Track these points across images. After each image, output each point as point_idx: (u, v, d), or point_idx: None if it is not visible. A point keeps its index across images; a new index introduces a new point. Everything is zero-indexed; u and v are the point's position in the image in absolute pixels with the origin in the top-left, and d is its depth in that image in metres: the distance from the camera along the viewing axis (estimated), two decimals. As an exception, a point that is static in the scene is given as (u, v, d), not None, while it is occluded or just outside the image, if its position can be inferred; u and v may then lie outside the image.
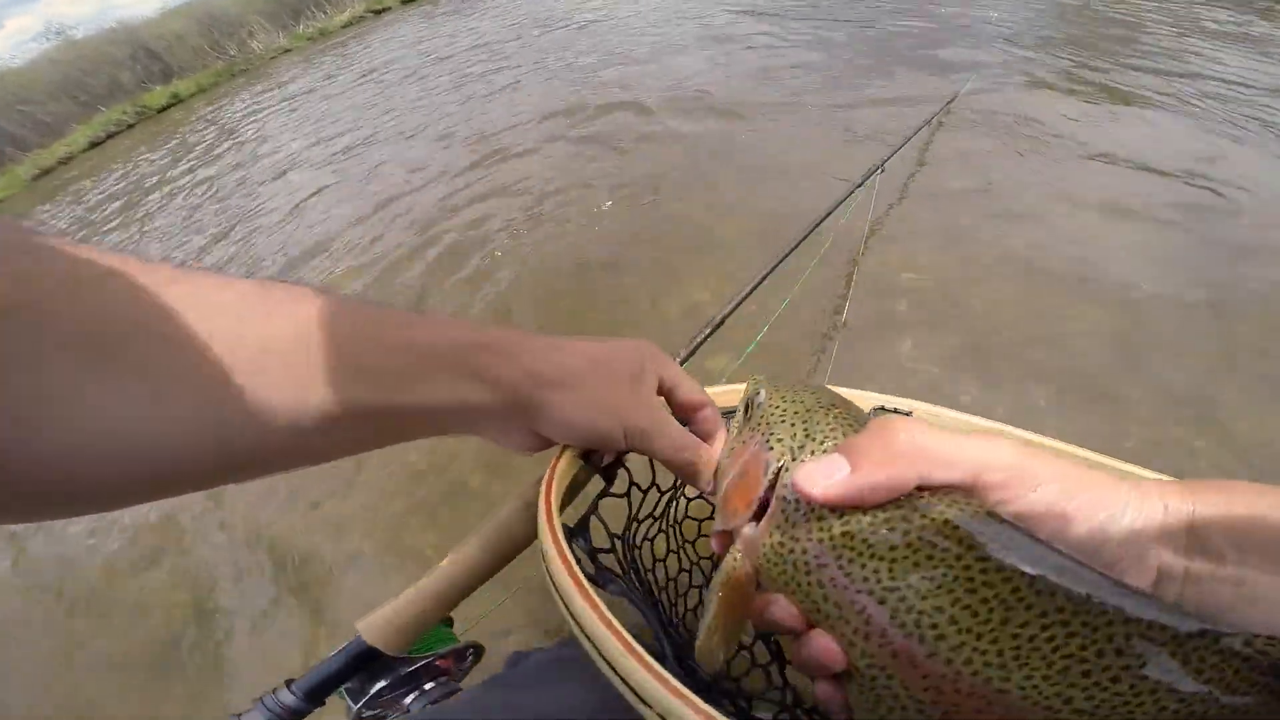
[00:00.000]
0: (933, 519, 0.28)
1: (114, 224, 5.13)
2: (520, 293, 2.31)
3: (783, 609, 0.32)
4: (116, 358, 0.26)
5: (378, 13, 14.32)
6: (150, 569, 1.77)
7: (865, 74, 3.32)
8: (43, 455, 0.24)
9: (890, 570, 0.28)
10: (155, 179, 6.17)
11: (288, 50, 13.62)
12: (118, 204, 5.76)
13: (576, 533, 0.44)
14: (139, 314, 0.27)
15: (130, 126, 11.35)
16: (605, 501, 0.50)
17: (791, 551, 0.32)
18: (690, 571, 0.64)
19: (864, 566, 0.29)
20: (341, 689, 0.48)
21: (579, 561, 0.37)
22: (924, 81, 3.12)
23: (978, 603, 0.27)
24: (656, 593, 0.62)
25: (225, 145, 6.41)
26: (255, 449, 0.31)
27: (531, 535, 0.47)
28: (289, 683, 0.45)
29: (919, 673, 0.28)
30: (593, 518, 0.46)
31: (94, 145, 10.80)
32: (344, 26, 14.07)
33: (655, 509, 0.57)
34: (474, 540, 0.47)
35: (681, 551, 0.62)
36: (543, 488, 0.42)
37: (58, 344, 0.24)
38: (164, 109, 11.80)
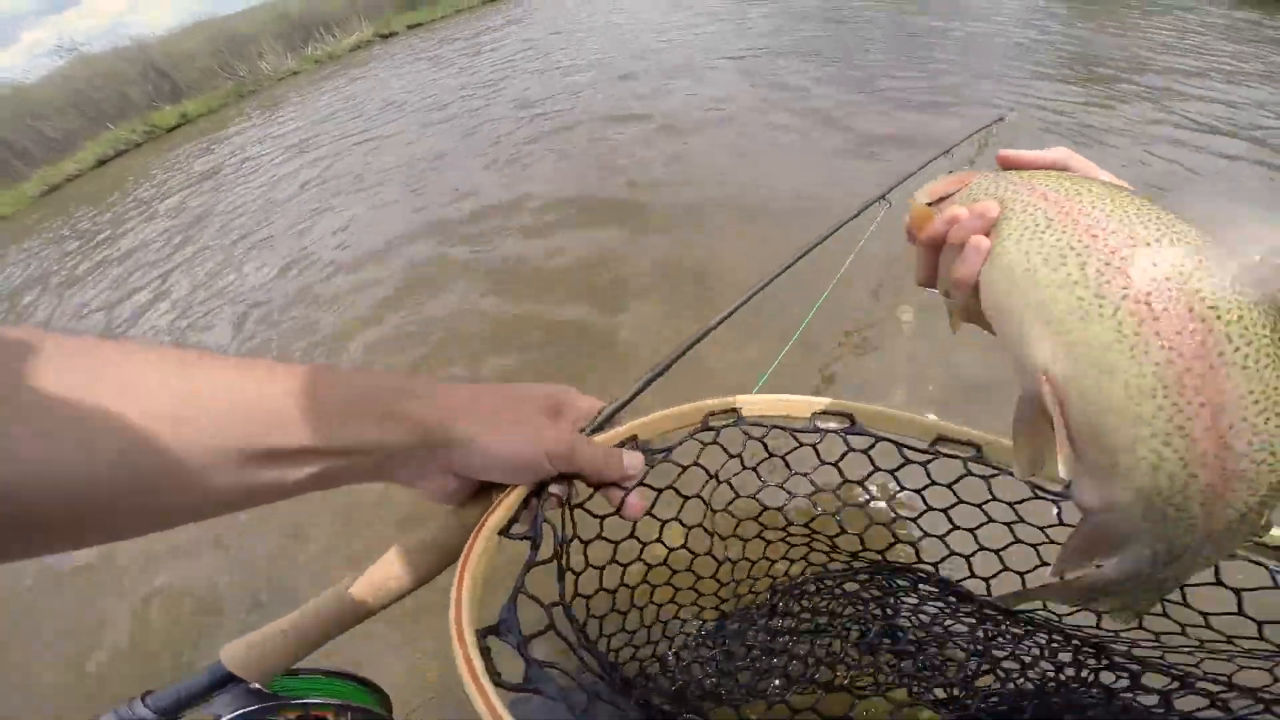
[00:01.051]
0: None
1: (107, 246, 5.24)
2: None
3: None
4: (42, 410, 0.29)
5: (384, 37, 14.68)
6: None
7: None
8: None
9: None
10: (155, 203, 6.30)
11: (295, 73, 13.89)
12: (108, 230, 5.88)
13: (499, 628, 0.39)
14: (65, 377, 0.30)
15: (138, 145, 11.52)
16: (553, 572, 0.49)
17: None
18: (659, 611, 0.64)
19: None
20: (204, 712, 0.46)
21: (494, 675, 0.35)
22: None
23: None
24: (618, 658, 0.60)
25: (225, 171, 6.56)
26: (179, 497, 0.33)
27: (421, 578, 0.46)
28: (145, 695, 0.43)
29: None
30: (521, 595, 0.43)
31: (101, 163, 10.96)
32: (351, 50, 14.39)
33: (604, 558, 0.57)
34: (353, 579, 0.46)
35: (646, 599, 0.61)
36: (455, 581, 0.40)
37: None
38: (172, 129, 11.99)
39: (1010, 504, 0.55)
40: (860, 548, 0.73)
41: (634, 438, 0.53)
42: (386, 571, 0.46)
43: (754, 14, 6.81)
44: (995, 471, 0.52)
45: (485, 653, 0.36)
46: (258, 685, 0.44)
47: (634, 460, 0.50)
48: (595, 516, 0.54)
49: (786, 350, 1.75)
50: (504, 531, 0.44)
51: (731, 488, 0.65)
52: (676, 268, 2.56)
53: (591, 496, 0.52)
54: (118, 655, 1.65)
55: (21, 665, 1.74)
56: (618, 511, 0.52)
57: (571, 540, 0.51)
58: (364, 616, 0.46)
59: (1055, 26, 4.99)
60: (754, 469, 0.62)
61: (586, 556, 0.55)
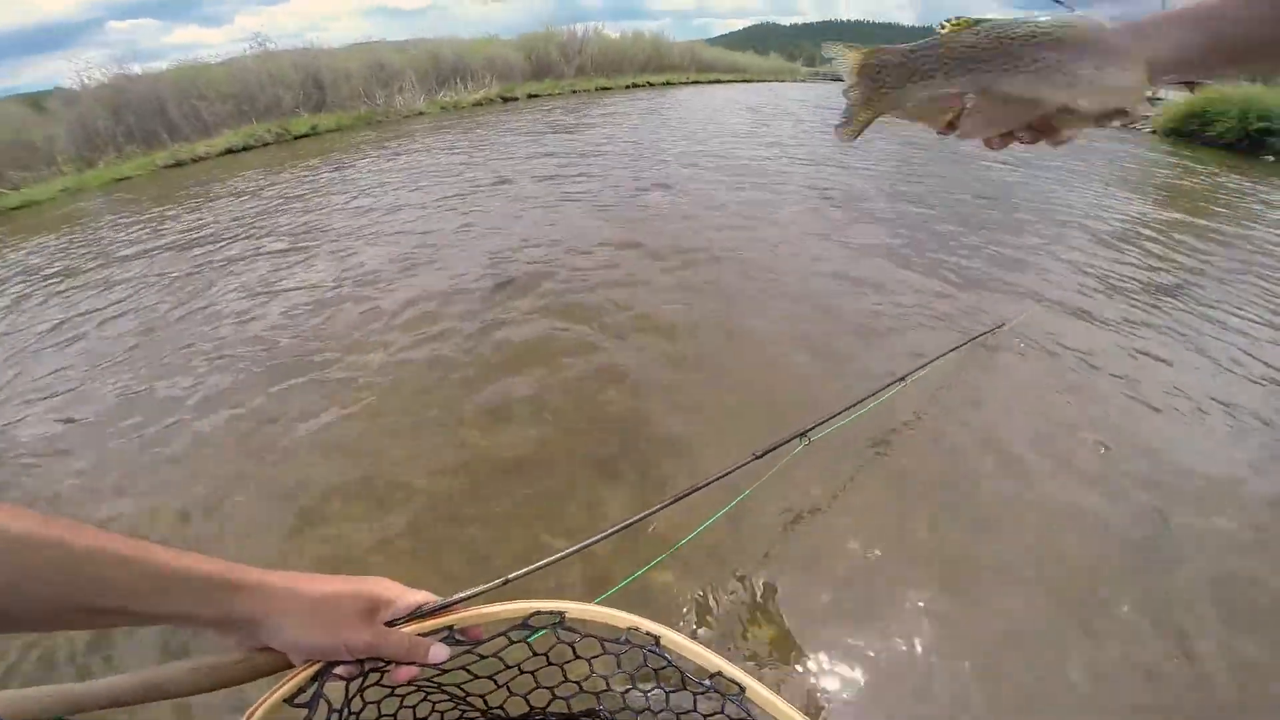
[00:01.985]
0: None
1: (204, 223, 5.99)
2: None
3: None
4: None
5: (506, 99, 16.28)
6: None
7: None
8: None
9: None
10: (252, 202, 7.18)
11: (422, 113, 15.45)
12: (223, 213, 6.74)
13: None
14: None
15: (265, 145, 13.00)
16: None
17: None
18: None
19: None
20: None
21: None
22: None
23: None
24: None
25: (330, 187, 7.46)
26: (29, 624, 0.44)
27: (197, 689, 0.55)
28: None
29: None
30: None
31: (229, 152, 12.41)
32: (474, 104, 15.98)
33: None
34: (139, 671, 0.53)
35: None
36: None
37: None
38: (300, 136, 13.50)
39: None
40: None
41: (449, 629, 0.62)
42: (169, 675, 0.55)
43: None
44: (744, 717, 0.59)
45: None
46: None
47: (437, 652, 0.60)
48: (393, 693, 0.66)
49: (648, 569, 1.83)
50: (289, 700, 0.54)
51: (535, 680, 0.74)
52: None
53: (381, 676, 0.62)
54: None
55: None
56: (385, 671, 0.61)
57: (347, 713, 0.61)
58: (133, 703, 0.53)
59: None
60: (561, 665, 0.71)
61: None
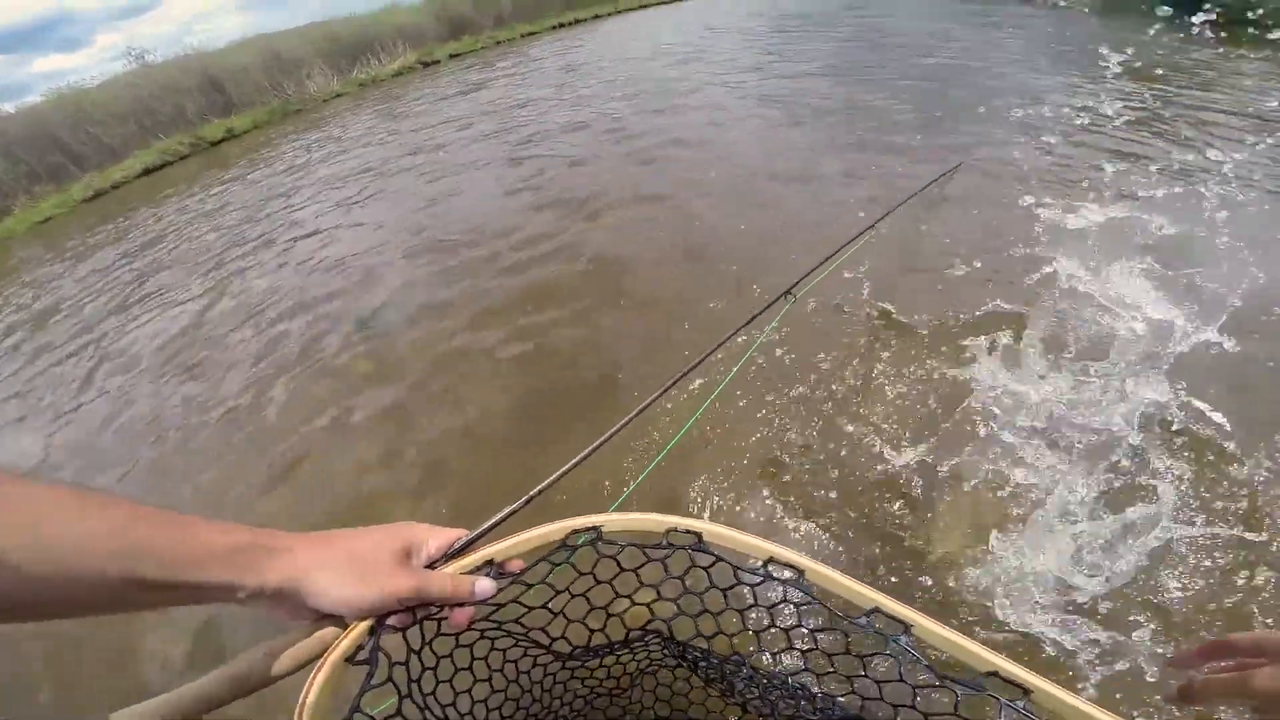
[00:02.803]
0: None
1: (142, 254, 5.49)
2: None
3: None
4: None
5: (426, 65, 15.26)
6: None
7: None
8: None
9: None
10: (188, 218, 6.58)
11: (339, 95, 14.42)
12: (146, 238, 6.16)
13: None
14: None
15: (184, 157, 12.05)
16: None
17: None
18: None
19: None
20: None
21: None
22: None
23: None
24: None
25: (262, 194, 6.84)
26: (71, 607, 0.45)
27: (281, 676, 0.54)
28: None
29: None
30: (359, 715, 0.50)
31: (148, 172, 11.49)
32: (394, 75, 14.95)
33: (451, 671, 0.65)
34: (218, 671, 0.53)
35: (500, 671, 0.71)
36: (300, 700, 0.49)
37: None
38: (218, 142, 12.54)
39: (811, 630, 0.66)
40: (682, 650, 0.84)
41: (489, 562, 0.60)
42: (249, 665, 0.53)
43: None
44: (809, 601, 0.57)
45: None
46: None
47: (483, 587, 0.58)
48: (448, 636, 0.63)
49: (650, 469, 1.78)
50: (351, 660, 0.52)
51: (588, 602, 0.71)
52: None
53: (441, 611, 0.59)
54: None
55: None
56: (442, 619, 0.59)
57: (411, 659, 0.59)
58: (224, 702, 0.53)
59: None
60: (609, 582, 0.68)
61: (437, 673, 0.62)
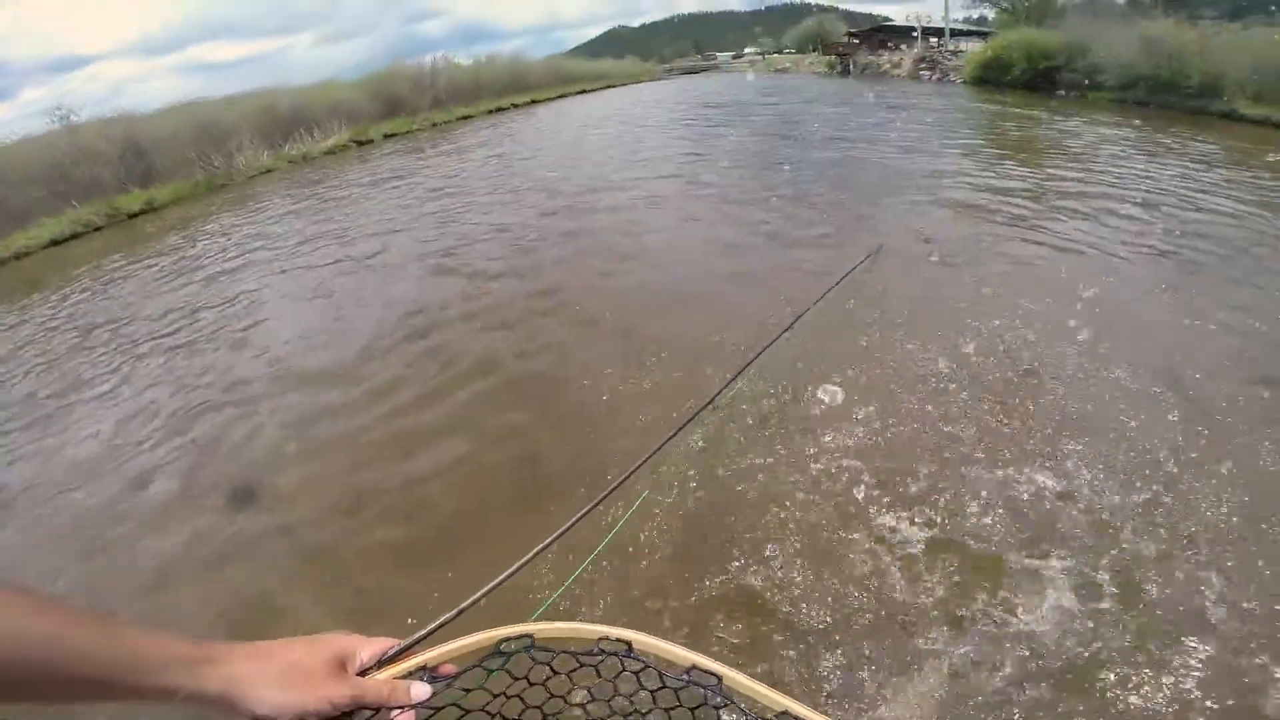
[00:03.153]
0: None
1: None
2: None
3: None
4: None
5: (361, 143, 15.58)
6: None
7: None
8: None
9: None
10: (88, 309, 6.45)
11: (269, 170, 14.35)
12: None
13: None
14: None
15: (97, 229, 11.65)
16: None
17: None
18: None
19: None
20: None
21: None
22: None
23: None
24: None
25: (177, 280, 6.83)
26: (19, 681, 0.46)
27: None
28: None
29: None
30: None
31: (55, 243, 11.02)
32: (326, 153, 15.13)
33: None
34: None
35: None
36: None
37: None
38: (135, 215, 12.19)
39: None
40: None
41: (424, 667, 0.62)
42: None
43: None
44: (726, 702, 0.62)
45: None
46: None
47: (419, 690, 0.60)
48: None
49: (577, 575, 1.99)
50: None
51: (523, 702, 0.73)
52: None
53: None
54: None
55: None
56: None
57: None
58: None
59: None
60: (544, 684, 0.70)
61: None
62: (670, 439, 1.69)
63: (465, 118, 17.33)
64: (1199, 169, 6.71)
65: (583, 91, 21.77)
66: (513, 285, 5.17)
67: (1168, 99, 12.49)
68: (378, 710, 0.59)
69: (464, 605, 0.76)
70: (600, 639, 0.64)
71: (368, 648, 0.62)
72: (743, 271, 4.82)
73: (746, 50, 66.56)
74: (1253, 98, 11.54)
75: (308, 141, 15.66)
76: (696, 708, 0.67)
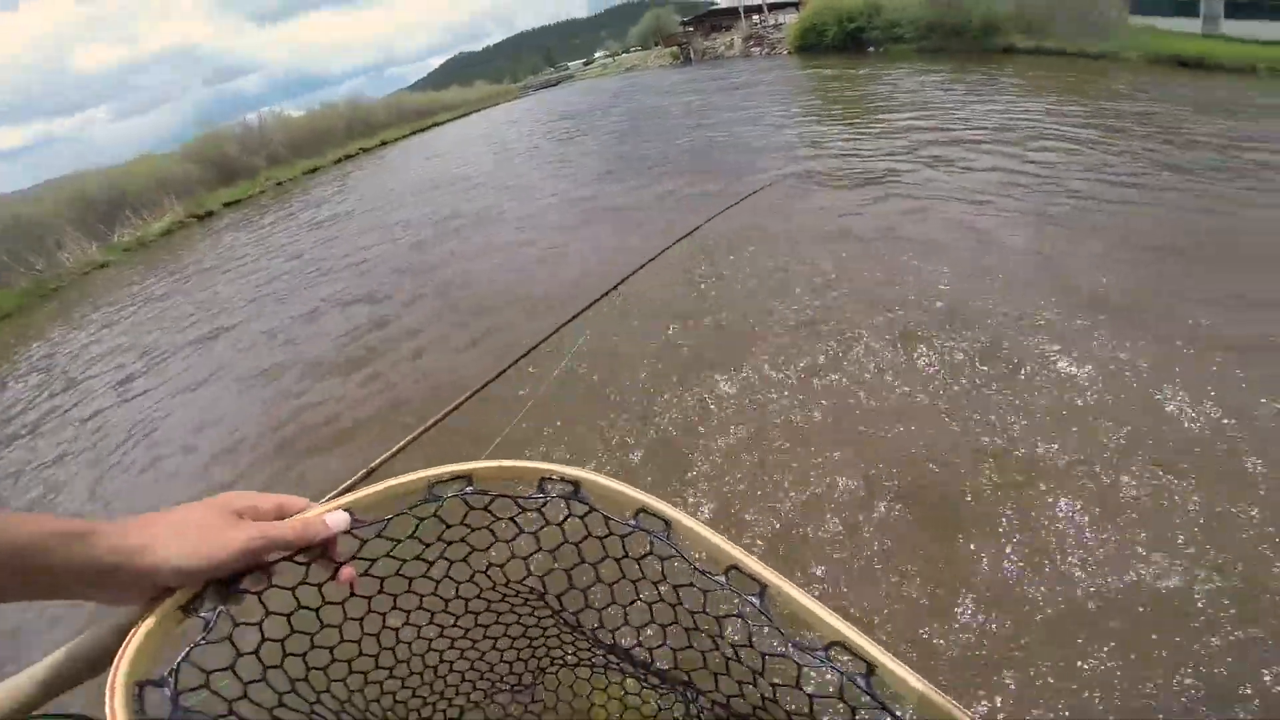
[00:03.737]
0: None
1: None
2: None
3: None
4: None
5: (200, 218, 14.43)
6: None
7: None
8: None
9: None
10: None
11: (103, 265, 12.93)
12: None
13: (152, 682, 0.43)
14: None
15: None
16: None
17: None
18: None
19: None
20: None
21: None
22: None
23: None
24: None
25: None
26: None
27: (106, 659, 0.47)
28: None
29: None
30: (185, 665, 0.47)
31: None
32: (164, 234, 13.92)
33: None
34: (41, 665, 0.48)
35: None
36: (123, 645, 0.44)
37: None
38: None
39: (674, 585, 0.65)
40: (560, 607, 0.81)
41: (349, 510, 0.55)
42: (82, 650, 0.49)
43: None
44: (673, 554, 0.59)
45: (139, 700, 0.41)
46: None
47: (336, 520, 0.54)
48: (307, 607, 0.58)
49: (515, 421, 2.03)
50: (184, 607, 0.48)
51: (469, 545, 0.67)
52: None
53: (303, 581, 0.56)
54: None
55: None
56: (333, 578, 0.55)
57: (270, 622, 0.55)
58: (67, 687, 0.49)
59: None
60: (488, 528, 0.65)
61: (284, 645, 0.58)
62: (582, 312, 1.86)
63: (313, 170, 16.53)
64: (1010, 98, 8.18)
65: (435, 125, 21.36)
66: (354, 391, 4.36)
67: (958, 43, 13.99)
68: (297, 553, 0.53)
69: (384, 456, 0.69)
70: (544, 478, 0.59)
71: (268, 501, 0.55)
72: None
73: (596, 54, 67.59)
74: (1024, 31, 13.17)
75: (139, 225, 14.28)
76: (642, 557, 0.63)
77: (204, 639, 0.48)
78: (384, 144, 18.81)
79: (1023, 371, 2.68)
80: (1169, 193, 4.46)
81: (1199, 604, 1.67)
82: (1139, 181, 4.76)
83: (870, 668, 0.47)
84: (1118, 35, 11.97)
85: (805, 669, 0.53)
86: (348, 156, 17.65)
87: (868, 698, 0.47)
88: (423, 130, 20.61)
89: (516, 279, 5.27)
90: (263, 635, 0.54)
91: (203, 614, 0.48)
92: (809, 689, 0.56)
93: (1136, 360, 2.63)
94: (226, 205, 14.74)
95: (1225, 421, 2.24)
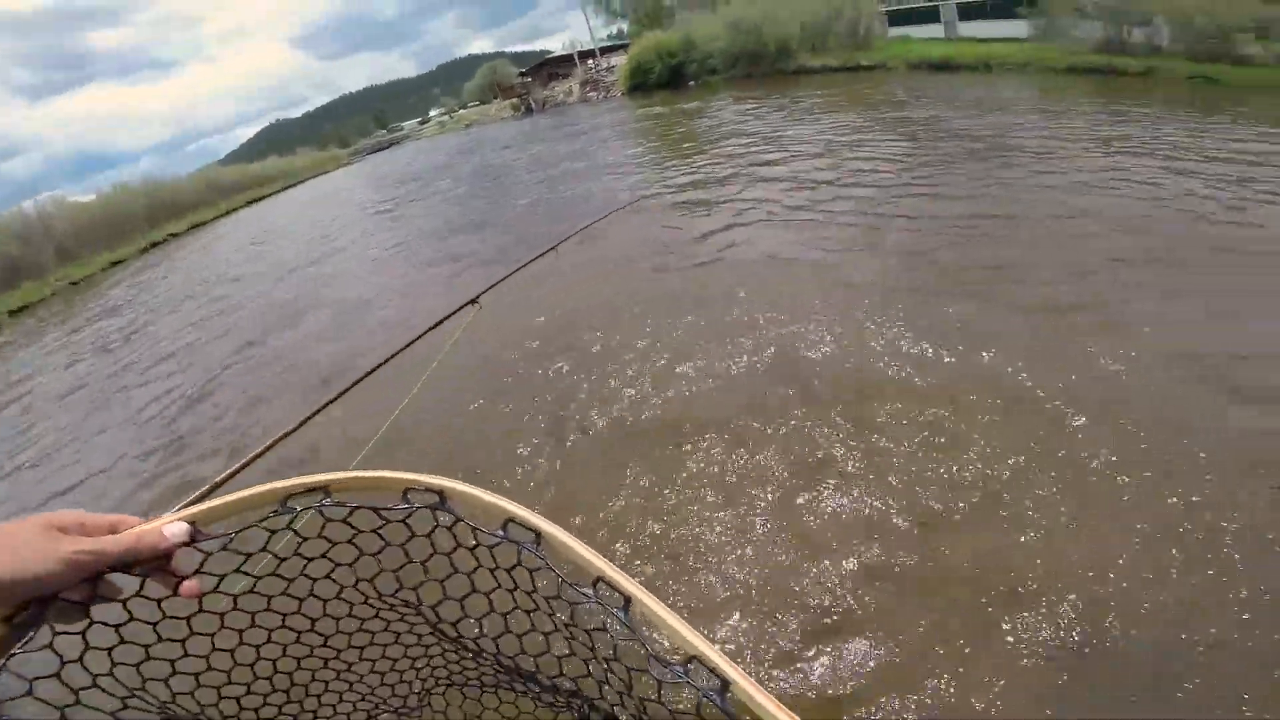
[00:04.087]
0: None
1: None
2: None
3: None
4: None
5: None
6: None
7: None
8: None
9: None
10: None
11: None
12: None
13: None
14: None
15: None
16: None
17: None
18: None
19: None
20: None
21: None
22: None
23: None
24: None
25: None
26: None
27: None
28: None
29: None
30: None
31: None
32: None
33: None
34: None
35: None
36: None
37: None
38: None
39: (546, 597, 0.65)
40: (436, 620, 0.77)
41: (191, 523, 0.52)
42: None
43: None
44: (542, 565, 0.57)
45: None
46: None
47: (174, 530, 0.50)
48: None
49: (382, 431, 1.93)
50: (6, 620, 0.45)
51: (330, 561, 0.63)
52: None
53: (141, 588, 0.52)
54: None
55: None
56: (175, 592, 0.52)
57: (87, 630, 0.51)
58: None
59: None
60: (351, 542, 0.61)
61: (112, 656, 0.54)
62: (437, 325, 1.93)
63: (116, 263, 14.53)
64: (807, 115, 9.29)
65: (252, 202, 19.86)
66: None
67: (760, 69, 15.49)
68: (133, 566, 0.50)
69: (232, 469, 0.70)
70: (408, 489, 0.56)
71: (100, 519, 0.52)
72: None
73: (432, 112, 66.33)
74: (810, 50, 14.89)
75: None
76: (513, 568, 0.62)
77: (20, 650, 0.46)
78: (195, 227, 17.00)
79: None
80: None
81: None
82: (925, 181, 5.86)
83: (725, 684, 0.48)
84: (885, 47, 14.02)
85: (666, 684, 0.53)
86: (155, 244, 15.76)
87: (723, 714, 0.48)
88: (237, 209, 19.06)
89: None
90: (86, 644, 0.52)
91: (19, 625, 0.46)
92: (678, 704, 0.57)
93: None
94: (12, 314, 12.51)
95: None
